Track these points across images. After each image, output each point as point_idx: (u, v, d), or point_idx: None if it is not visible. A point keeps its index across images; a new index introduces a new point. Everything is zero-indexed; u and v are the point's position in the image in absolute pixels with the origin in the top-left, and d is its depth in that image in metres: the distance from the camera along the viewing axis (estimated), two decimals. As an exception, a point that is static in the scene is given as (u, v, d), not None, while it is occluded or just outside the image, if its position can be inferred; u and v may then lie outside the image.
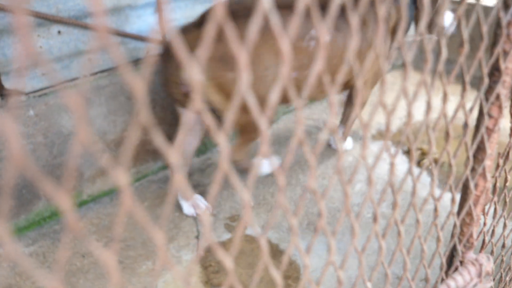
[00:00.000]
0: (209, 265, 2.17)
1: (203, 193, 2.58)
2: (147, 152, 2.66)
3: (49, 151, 2.26)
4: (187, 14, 2.65)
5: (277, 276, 0.47)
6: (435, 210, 0.67)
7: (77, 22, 2.21)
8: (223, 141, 0.38)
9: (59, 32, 2.20)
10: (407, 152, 3.01)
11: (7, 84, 2.10)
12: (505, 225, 0.90)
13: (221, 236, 2.32)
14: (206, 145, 2.89)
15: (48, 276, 0.32)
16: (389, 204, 2.50)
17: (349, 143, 2.99)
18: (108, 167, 0.32)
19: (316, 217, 2.48)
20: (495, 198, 0.84)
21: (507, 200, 0.90)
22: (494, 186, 0.82)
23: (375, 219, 0.57)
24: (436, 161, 2.81)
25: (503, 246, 0.96)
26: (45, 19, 2.13)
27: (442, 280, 0.75)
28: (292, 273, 2.14)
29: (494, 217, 0.88)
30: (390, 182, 0.56)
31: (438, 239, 0.70)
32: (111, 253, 0.35)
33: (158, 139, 0.33)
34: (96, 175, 2.48)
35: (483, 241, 0.89)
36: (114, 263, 0.35)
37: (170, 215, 2.45)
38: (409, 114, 0.54)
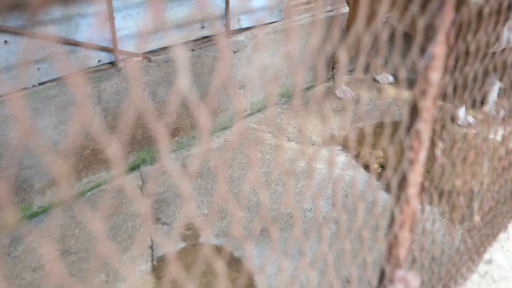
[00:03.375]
0: (163, 275, 2.18)
1: (158, 202, 2.58)
2: (99, 161, 2.63)
3: (-3, 163, 2.21)
4: (139, 22, 2.64)
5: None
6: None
7: (25, 32, 2.17)
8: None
9: (5, 42, 2.15)
10: (357, 157, 3.10)
11: (-50, 96, 2.04)
12: (433, 240, 0.97)
13: (176, 245, 2.34)
14: (158, 153, 2.89)
15: None
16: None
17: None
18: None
19: (270, 223, 2.53)
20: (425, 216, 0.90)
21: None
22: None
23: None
24: (383, 165, 2.93)
25: (433, 258, 1.04)
26: (-9, 29, 2.08)
27: (373, 297, 0.81)
28: (246, 281, 2.18)
29: (422, 233, 0.95)
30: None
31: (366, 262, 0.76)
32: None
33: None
34: (47, 186, 2.44)
35: (413, 256, 0.95)
36: None
37: (123, 225, 2.44)
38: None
